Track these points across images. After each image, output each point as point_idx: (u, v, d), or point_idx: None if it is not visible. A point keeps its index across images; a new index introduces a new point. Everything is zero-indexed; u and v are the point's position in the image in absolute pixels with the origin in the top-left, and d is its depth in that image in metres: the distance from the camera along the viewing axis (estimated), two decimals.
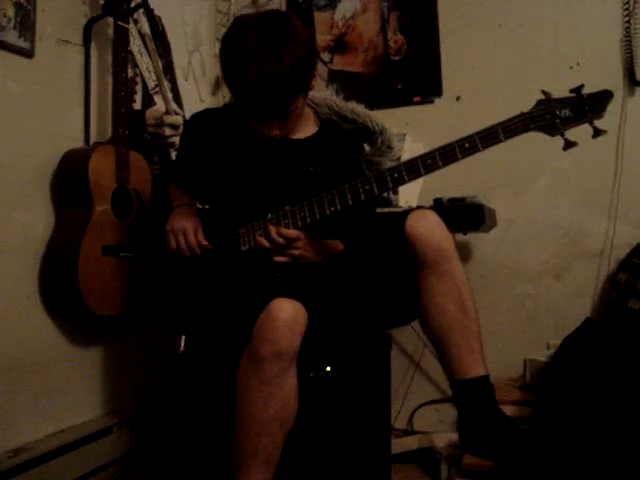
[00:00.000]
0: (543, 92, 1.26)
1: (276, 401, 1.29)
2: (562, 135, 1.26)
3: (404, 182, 1.33)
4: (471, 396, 1.38)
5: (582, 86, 1.24)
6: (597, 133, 1.25)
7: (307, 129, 1.59)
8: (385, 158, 1.52)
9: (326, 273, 1.51)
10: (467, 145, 1.26)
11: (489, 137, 1.25)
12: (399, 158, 1.57)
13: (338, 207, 1.37)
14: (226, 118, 1.61)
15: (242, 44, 1.35)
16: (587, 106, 1.22)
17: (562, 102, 1.24)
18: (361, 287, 1.50)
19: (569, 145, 1.26)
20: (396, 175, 1.33)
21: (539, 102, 1.25)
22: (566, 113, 1.23)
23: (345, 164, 1.55)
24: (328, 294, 1.48)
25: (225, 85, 1.49)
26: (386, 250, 1.47)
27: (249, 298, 1.36)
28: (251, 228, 1.46)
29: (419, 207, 1.76)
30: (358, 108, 1.62)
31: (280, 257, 1.42)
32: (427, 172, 1.30)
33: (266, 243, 1.40)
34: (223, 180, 1.56)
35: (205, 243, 1.49)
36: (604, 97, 1.23)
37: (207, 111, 1.69)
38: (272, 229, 1.39)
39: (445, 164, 1.29)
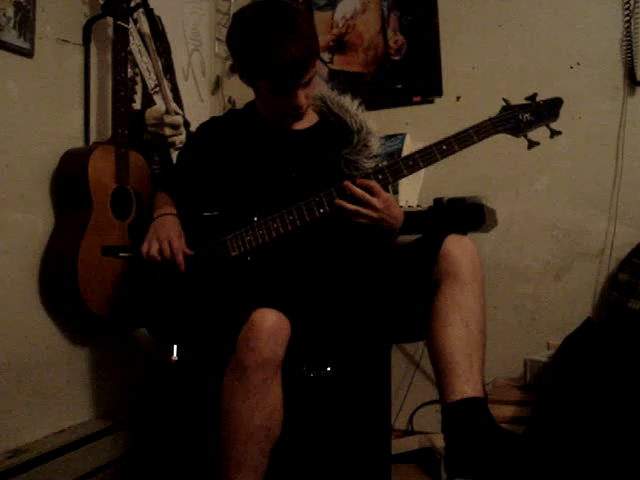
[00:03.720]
0: (504, 100, 1.43)
1: (261, 410, 1.29)
2: (525, 136, 1.42)
3: (389, 183, 1.44)
4: (462, 418, 1.26)
5: (536, 94, 1.42)
6: (553, 133, 1.43)
7: (309, 117, 1.64)
8: (361, 156, 1.54)
9: (328, 280, 1.50)
10: (444, 147, 1.39)
11: (464, 139, 1.40)
12: (377, 156, 1.60)
13: (327, 209, 1.42)
14: (233, 122, 1.65)
15: (260, 31, 1.43)
16: (544, 110, 1.41)
17: (522, 108, 1.42)
18: (366, 293, 1.50)
19: (532, 145, 1.43)
20: (380, 177, 1.42)
21: (503, 108, 1.42)
22: (527, 117, 1.41)
23: (327, 163, 1.57)
24: (325, 299, 1.48)
25: (241, 76, 1.56)
26: (409, 265, 1.46)
27: (234, 308, 1.37)
28: (239, 234, 1.47)
29: (427, 212, 1.82)
30: (347, 104, 1.64)
31: (360, 218, 1.41)
32: (410, 173, 1.42)
33: (347, 204, 1.40)
34: (240, 177, 1.57)
35: (188, 251, 1.50)
36: (556, 103, 1.42)
37: (213, 119, 1.74)
38: (349, 183, 1.40)
39: (426, 165, 1.41)
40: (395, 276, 1.48)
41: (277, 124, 1.61)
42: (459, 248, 1.38)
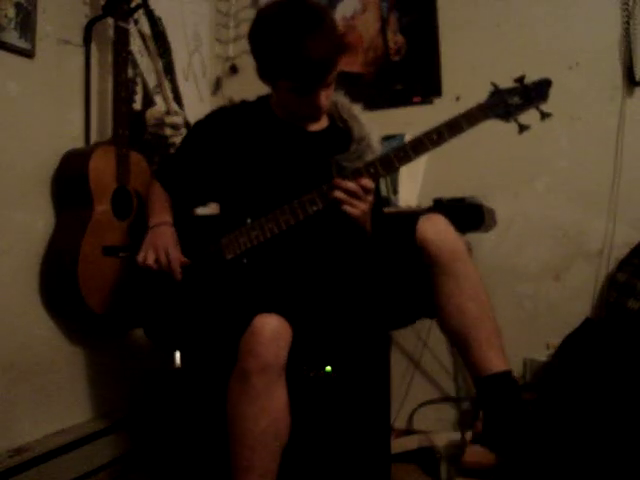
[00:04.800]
0: (492, 84, 1.38)
1: (267, 415, 1.30)
2: (515, 121, 1.38)
3: (380, 176, 1.42)
4: (495, 391, 1.38)
5: (524, 76, 1.38)
6: (544, 116, 1.38)
7: (322, 120, 1.62)
8: (352, 165, 1.51)
9: (323, 276, 1.51)
10: (435, 137, 1.38)
11: (454, 127, 1.37)
12: None
13: (320, 206, 1.41)
14: (244, 116, 1.62)
15: (286, 29, 1.39)
16: (533, 92, 1.37)
17: (511, 91, 1.37)
18: (363, 288, 1.50)
19: (523, 129, 1.38)
20: (372, 170, 1.40)
21: (491, 93, 1.38)
22: (516, 101, 1.37)
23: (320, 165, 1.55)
24: (324, 298, 1.48)
25: (261, 74, 1.51)
26: (391, 253, 1.48)
27: (233, 313, 1.38)
28: (233, 236, 1.47)
29: (426, 211, 1.79)
30: (355, 111, 1.63)
31: (352, 208, 1.39)
32: (401, 164, 1.40)
33: (341, 194, 1.39)
34: (245, 173, 1.56)
35: (184, 259, 1.51)
36: (545, 84, 1.38)
37: (223, 109, 1.70)
38: (343, 181, 1.39)
39: (417, 156, 1.39)
40: (382, 263, 1.50)
41: (290, 123, 1.59)
42: (431, 230, 1.41)
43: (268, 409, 1.30)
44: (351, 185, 1.38)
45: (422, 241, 1.40)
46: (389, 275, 1.50)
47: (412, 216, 1.45)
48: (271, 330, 1.29)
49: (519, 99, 1.37)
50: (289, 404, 1.34)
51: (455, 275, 1.40)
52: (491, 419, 1.39)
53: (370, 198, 1.40)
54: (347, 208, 1.39)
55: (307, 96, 1.47)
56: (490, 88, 1.39)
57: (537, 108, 1.38)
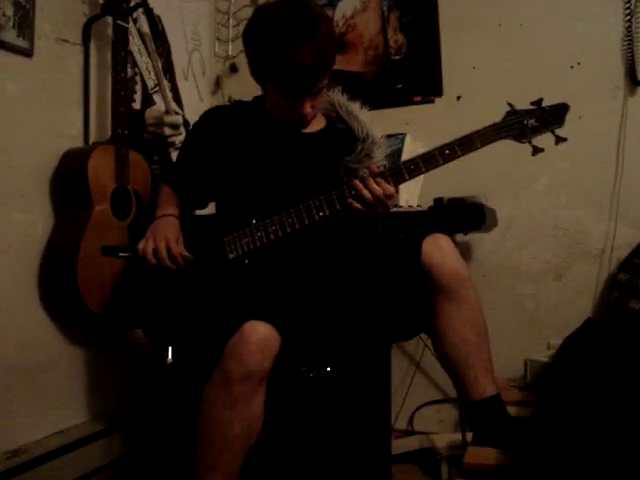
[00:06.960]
0: (509, 104, 1.38)
1: (241, 420, 1.30)
2: (530, 142, 1.38)
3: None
4: (487, 415, 1.42)
5: (541, 99, 1.38)
6: (559, 140, 1.38)
7: (318, 121, 1.61)
8: (362, 165, 1.51)
9: (318, 288, 1.50)
10: (447, 152, 1.37)
11: (467, 145, 1.37)
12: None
13: (326, 212, 1.41)
14: (240, 115, 1.62)
15: (276, 31, 1.39)
16: (550, 116, 1.37)
17: (528, 113, 1.37)
18: (362, 297, 1.51)
19: (537, 151, 1.39)
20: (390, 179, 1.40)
21: (508, 113, 1.38)
22: (532, 123, 1.37)
23: (327, 168, 1.55)
24: (321, 303, 1.48)
25: (253, 74, 1.51)
26: (394, 271, 1.49)
27: (225, 316, 1.37)
28: (237, 236, 1.47)
29: (427, 214, 1.82)
30: (355, 110, 1.62)
31: (372, 212, 1.41)
32: (411, 177, 1.40)
33: (367, 194, 1.38)
34: (241, 174, 1.56)
35: (186, 254, 1.50)
36: (562, 109, 1.38)
37: (218, 108, 1.70)
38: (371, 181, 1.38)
39: (428, 170, 1.39)
40: (383, 279, 1.51)
41: (284, 125, 1.58)
42: (435, 253, 1.42)
43: (244, 416, 1.30)
44: (378, 189, 1.38)
45: (426, 263, 1.42)
46: (390, 290, 1.50)
47: (417, 235, 1.47)
48: (259, 338, 1.28)
49: (535, 122, 1.37)
50: (264, 410, 1.34)
51: (456, 299, 1.42)
52: (481, 439, 1.43)
53: (390, 203, 1.41)
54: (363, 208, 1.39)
55: (291, 101, 1.46)
56: (503, 103, 1.38)
57: (553, 132, 1.38)
